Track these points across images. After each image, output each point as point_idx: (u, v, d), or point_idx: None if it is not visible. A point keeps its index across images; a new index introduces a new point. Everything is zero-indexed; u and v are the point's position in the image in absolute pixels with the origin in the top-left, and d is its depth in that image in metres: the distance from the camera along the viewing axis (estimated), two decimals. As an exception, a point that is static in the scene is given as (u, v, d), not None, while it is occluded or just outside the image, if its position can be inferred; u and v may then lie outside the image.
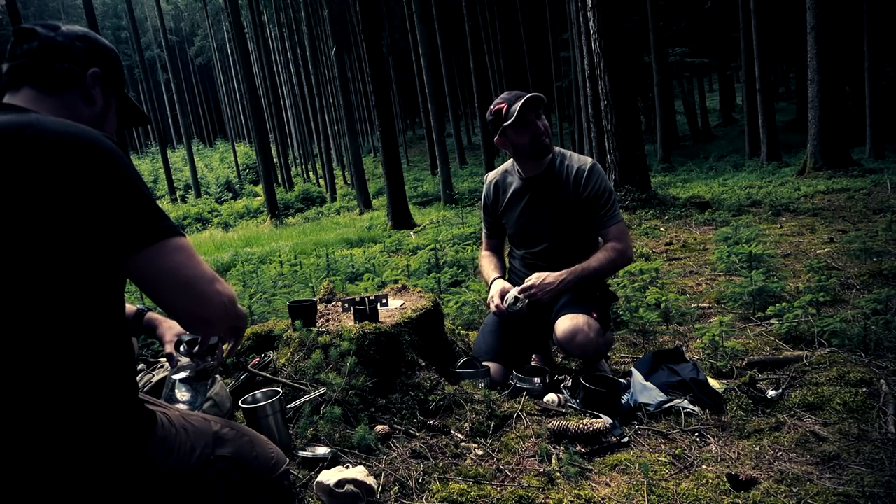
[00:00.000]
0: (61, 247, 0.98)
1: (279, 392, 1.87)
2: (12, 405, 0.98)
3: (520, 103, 2.37)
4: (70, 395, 1.01)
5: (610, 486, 1.74)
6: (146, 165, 41.45)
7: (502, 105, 2.41)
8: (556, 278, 2.39)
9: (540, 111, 2.44)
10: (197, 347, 1.39)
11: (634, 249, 5.68)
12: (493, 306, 2.45)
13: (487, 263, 2.74)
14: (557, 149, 2.56)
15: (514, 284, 2.74)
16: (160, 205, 1.20)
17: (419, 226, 10.67)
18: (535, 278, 2.41)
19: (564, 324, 2.33)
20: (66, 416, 1.01)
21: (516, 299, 2.38)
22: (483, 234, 2.84)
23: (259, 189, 27.32)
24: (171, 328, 1.53)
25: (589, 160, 2.50)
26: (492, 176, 2.71)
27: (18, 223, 0.96)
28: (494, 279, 2.59)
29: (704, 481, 1.73)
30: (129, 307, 1.52)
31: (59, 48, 1.18)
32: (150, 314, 1.56)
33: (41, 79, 1.16)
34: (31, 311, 0.98)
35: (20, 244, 0.97)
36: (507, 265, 2.82)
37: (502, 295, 2.45)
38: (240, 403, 1.83)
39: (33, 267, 0.97)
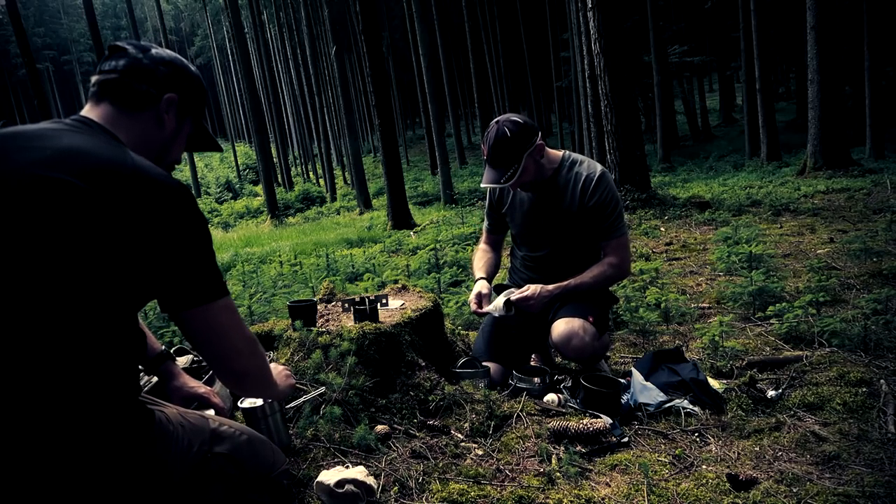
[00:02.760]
0: (109, 270, 1.03)
1: None
2: (19, 400, 0.99)
3: (487, 175, 2.35)
4: (74, 393, 1.02)
5: (610, 486, 1.74)
6: (146, 165, 41.43)
7: (483, 147, 2.39)
8: (550, 292, 2.39)
9: (512, 169, 2.28)
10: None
11: (634, 249, 5.68)
12: (472, 306, 2.46)
13: (478, 259, 2.73)
14: (568, 153, 2.50)
15: (514, 282, 2.74)
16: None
17: (419, 226, 10.66)
18: (530, 290, 2.39)
19: (560, 327, 2.32)
20: (68, 412, 1.01)
21: (506, 306, 2.37)
22: (484, 227, 2.81)
23: (259, 189, 27.33)
24: (178, 389, 1.52)
25: (598, 169, 2.42)
26: None
27: (82, 245, 1.00)
28: (479, 279, 2.58)
29: (704, 481, 1.73)
30: (154, 343, 1.53)
31: (143, 70, 1.22)
32: (171, 364, 1.55)
33: (120, 97, 1.21)
34: (53, 316, 1.00)
35: (70, 262, 1.00)
36: (510, 264, 2.82)
37: (480, 297, 2.46)
38: (238, 404, 1.83)
39: (71, 280, 1.00)
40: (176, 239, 1.06)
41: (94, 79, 1.24)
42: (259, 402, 1.85)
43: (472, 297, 2.49)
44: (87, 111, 1.21)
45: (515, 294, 2.39)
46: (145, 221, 1.03)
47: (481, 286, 2.51)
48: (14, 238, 0.99)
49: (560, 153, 2.50)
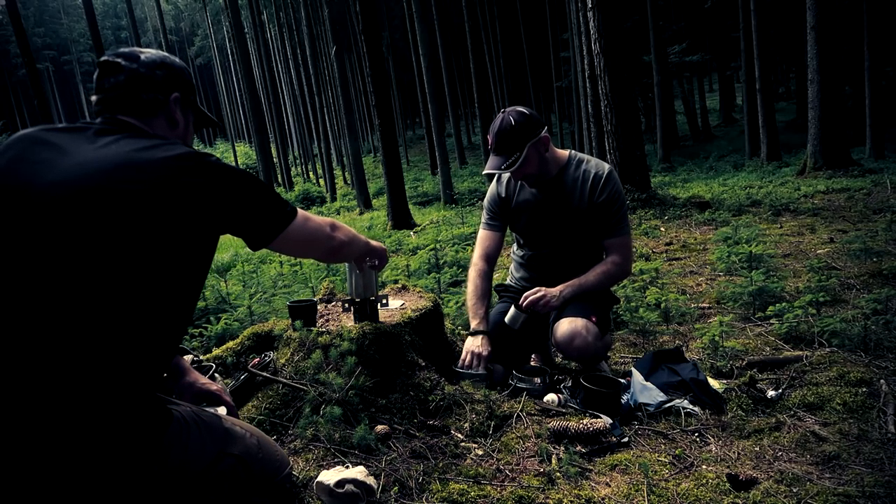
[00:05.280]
0: (183, 249, 1.13)
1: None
2: (50, 389, 1.00)
3: (489, 162, 2.35)
4: (102, 386, 1.04)
5: (610, 486, 1.74)
6: (146, 165, 41.54)
7: (489, 137, 2.38)
8: (556, 293, 2.38)
9: (514, 157, 2.28)
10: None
11: (634, 249, 5.69)
12: (467, 361, 2.33)
13: (473, 291, 2.53)
14: (574, 152, 2.51)
15: (514, 281, 2.74)
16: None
17: (419, 226, 10.67)
18: (534, 293, 2.37)
19: (563, 327, 2.32)
20: (94, 405, 1.03)
21: (517, 315, 2.38)
22: (482, 227, 2.66)
23: (259, 189, 27.24)
24: (190, 386, 1.53)
25: (606, 167, 2.44)
26: None
27: (154, 237, 1.08)
28: (478, 332, 2.40)
29: (704, 481, 1.73)
30: None
31: (143, 79, 1.28)
32: (180, 360, 1.57)
33: (131, 109, 1.27)
34: (112, 311, 1.05)
35: (139, 253, 1.07)
36: (511, 262, 2.81)
37: (479, 358, 2.33)
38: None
39: (151, 263, 1.08)
40: (239, 197, 1.21)
41: (95, 97, 1.27)
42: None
43: (471, 352, 2.34)
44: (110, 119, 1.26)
45: (527, 299, 2.36)
46: (213, 195, 1.16)
47: (484, 346, 2.36)
48: (95, 234, 1.04)
49: (566, 152, 2.51)
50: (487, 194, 2.68)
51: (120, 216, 1.04)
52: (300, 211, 1.36)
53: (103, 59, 1.28)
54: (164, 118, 1.30)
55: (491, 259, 2.63)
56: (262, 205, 1.26)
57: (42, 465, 0.98)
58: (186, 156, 1.15)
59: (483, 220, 2.68)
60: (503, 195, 2.60)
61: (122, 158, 1.10)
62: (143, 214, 1.06)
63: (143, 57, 1.29)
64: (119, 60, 1.26)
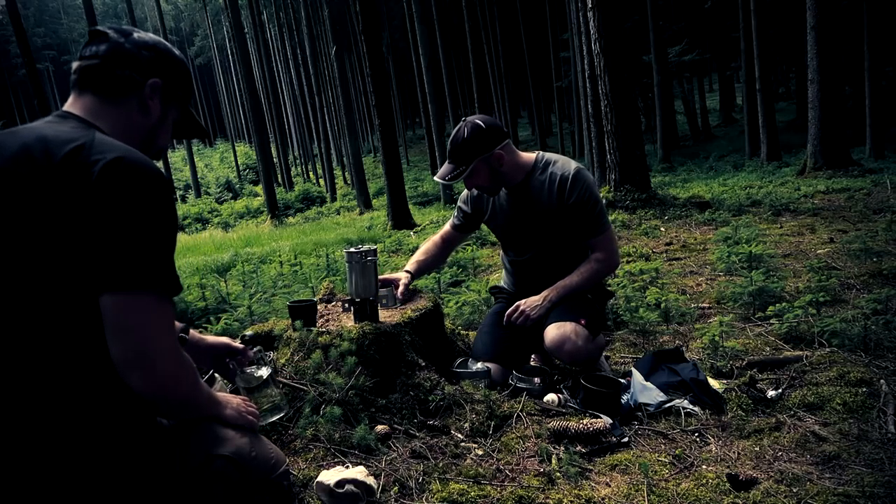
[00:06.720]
0: (84, 256, 1.00)
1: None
2: (20, 402, 0.99)
3: (441, 168, 2.41)
4: (74, 393, 1.02)
5: (610, 486, 1.74)
6: (146, 165, 41.64)
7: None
8: (539, 301, 2.40)
9: (459, 170, 2.34)
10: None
11: (634, 249, 5.68)
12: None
13: (421, 251, 2.72)
14: (542, 154, 2.50)
15: (507, 284, 2.74)
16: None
17: (419, 226, 10.67)
18: (512, 311, 2.42)
19: (552, 332, 2.30)
20: (69, 412, 1.01)
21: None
22: (449, 222, 2.77)
23: (259, 189, 27.35)
24: (195, 346, 1.52)
25: (573, 166, 2.40)
26: None
27: (50, 231, 0.98)
28: (405, 270, 2.61)
29: (704, 481, 1.73)
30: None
31: (125, 55, 1.19)
32: (192, 335, 1.56)
33: (102, 85, 1.18)
34: (52, 314, 1.01)
35: (45, 250, 0.99)
36: (503, 266, 2.82)
37: (389, 283, 2.52)
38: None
39: (58, 270, 1.00)
40: (116, 216, 0.99)
41: (75, 65, 1.20)
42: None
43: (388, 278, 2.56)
44: (70, 104, 1.19)
45: (508, 318, 2.42)
46: (96, 199, 0.98)
47: (402, 277, 2.55)
48: None
49: (533, 155, 2.49)
50: (463, 192, 2.69)
51: (10, 212, 0.99)
52: (170, 311, 1.06)
53: (94, 28, 1.22)
54: (136, 102, 1.20)
55: (447, 243, 2.78)
56: (133, 243, 0.99)
57: (10, 478, 0.97)
58: (70, 157, 0.99)
59: (453, 215, 2.77)
60: (470, 202, 2.65)
61: (19, 147, 1.03)
62: (24, 214, 0.98)
63: (135, 35, 1.22)
64: (109, 32, 1.20)
